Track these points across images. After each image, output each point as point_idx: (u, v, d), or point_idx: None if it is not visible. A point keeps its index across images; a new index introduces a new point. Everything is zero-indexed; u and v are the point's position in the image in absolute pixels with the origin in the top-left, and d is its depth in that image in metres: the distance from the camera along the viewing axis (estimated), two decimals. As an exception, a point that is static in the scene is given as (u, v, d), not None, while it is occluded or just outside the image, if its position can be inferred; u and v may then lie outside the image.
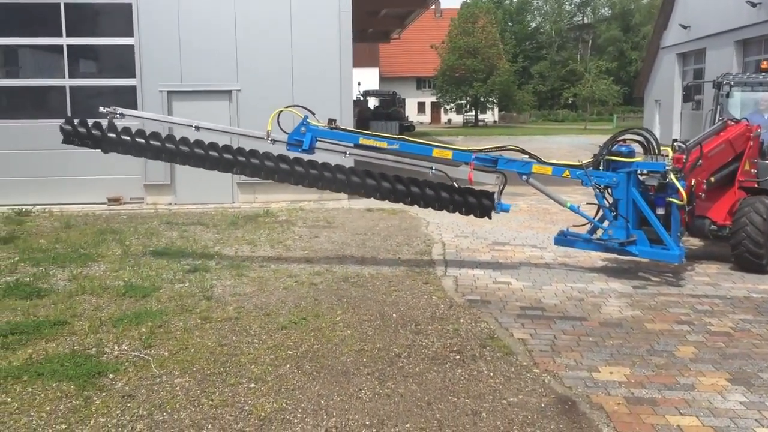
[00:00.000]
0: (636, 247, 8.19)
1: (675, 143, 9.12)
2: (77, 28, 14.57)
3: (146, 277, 8.25)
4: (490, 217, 8.68)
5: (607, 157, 8.33)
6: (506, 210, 8.59)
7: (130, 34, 14.43)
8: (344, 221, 12.37)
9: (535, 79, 79.82)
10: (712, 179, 9.01)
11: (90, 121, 8.76)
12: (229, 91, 14.57)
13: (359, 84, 45.07)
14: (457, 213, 8.71)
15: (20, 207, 13.49)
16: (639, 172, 8.23)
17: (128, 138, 8.54)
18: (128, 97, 14.34)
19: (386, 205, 11.82)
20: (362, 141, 8.74)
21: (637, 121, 51.16)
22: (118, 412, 4.67)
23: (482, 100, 63.70)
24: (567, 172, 8.39)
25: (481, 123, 64.88)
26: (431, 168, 8.54)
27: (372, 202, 12.85)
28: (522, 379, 5.29)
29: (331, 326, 6.46)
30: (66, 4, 14.39)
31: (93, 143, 8.67)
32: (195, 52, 14.42)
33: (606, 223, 8.46)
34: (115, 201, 14.70)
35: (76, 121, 8.68)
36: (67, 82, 14.65)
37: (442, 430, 4.48)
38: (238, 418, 4.59)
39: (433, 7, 74.27)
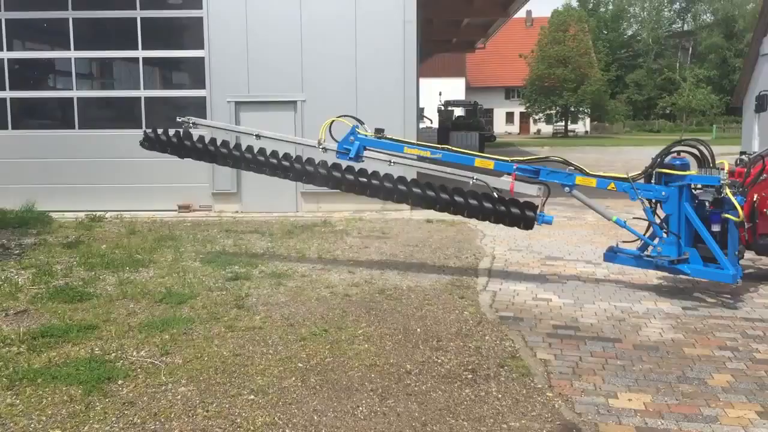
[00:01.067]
0: (688, 266, 7.72)
1: (740, 156, 8.63)
2: (152, 41, 15.10)
3: (188, 284, 8.40)
4: (531, 228, 8.45)
5: (659, 170, 7.92)
6: (548, 222, 8.34)
7: (200, 46, 14.86)
8: (399, 232, 12.27)
9: (631, 88, 77.56)
10: (779, 194, 8.40)
11: (171, 131, 9.51)
12: (294, 102, 14.76)
13: (440, 94, 44.94)
14: (511, 226, 8.58)
15: (94, 213, 14.04)
16: (693, 186, 7.78)
17: (212, 147, 9.19)
18: (198, 108, 14.76)
19: (446, 216, 11.53)
20: (407, 150, 8.84)
21: (738, 131, 48.71)
22: (113, 418, 4.73)
23: (573, 110, 62.34)
24: (612, 185, 8.04)
25: (571, 134, 63.48)
26: (472, 178, 8.46)
27: (432, 214, 12.73)
28: (531, 403, 5.04)
29: (350, 339, 6.38)
30: (142, 18, 14.97)
31: (171, 150, 9.40)
32: (262, 64, 14.71)
33: (658, 240, 8.03)
34: (185, 208, 15.13)
35: (158, 130, 9.48)
36: (142, 93, 15.22)
37: (431, 453, 4.31)
38: (227, 430, 4.57)
39: (522, 16, 73.41)
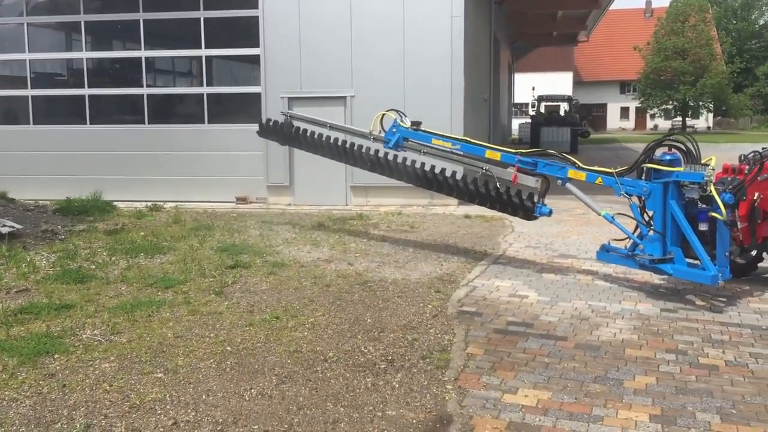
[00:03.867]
0: (670, 266, 7.38)
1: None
2: (213, 40, 15.82)
3: (187, 270, 8.84)
4: (530, 219, 8.83)
5: (648, 165, 7.59)
6: (546, 213, 8.49)
7: (256, 44, 15.42)
8: (429, 227, 12.29)
9: (761, 81, 72.71)
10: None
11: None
12: (344, 97, 15.03)
13: (533, 89, 44.03)
14: (514, 215, 9.11)
15: (156, 203, 14.92)
16: (681, 183, 7.40)
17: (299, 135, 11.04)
18: (254, 104, 15.38)
19: (486, 212, 11.43)
20: (434, 141, 9.52)
21: None
22: (26, 387, 5.15)
23: (692, 104, 59.18)
24: (600, 179, 7.89)
25: (690, 129, 60.28)
26: (482, 168, 9.01)
27: (472, 209, 12.81)
28: (422, 394, 5.04)
29: (295, 327, 6.56)
30: (205, 18, 15.72)
31: (276, 137, 11.56)
32: (313, 60, 15.07)
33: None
34: (242, 200, 15.77)
35: (269, 121, 11.66)
36: (205, 90, 15.99)
37: (288, 436, 4.44)
38: (115, 404, 4.87)
39: (641, 6, 70.38)
